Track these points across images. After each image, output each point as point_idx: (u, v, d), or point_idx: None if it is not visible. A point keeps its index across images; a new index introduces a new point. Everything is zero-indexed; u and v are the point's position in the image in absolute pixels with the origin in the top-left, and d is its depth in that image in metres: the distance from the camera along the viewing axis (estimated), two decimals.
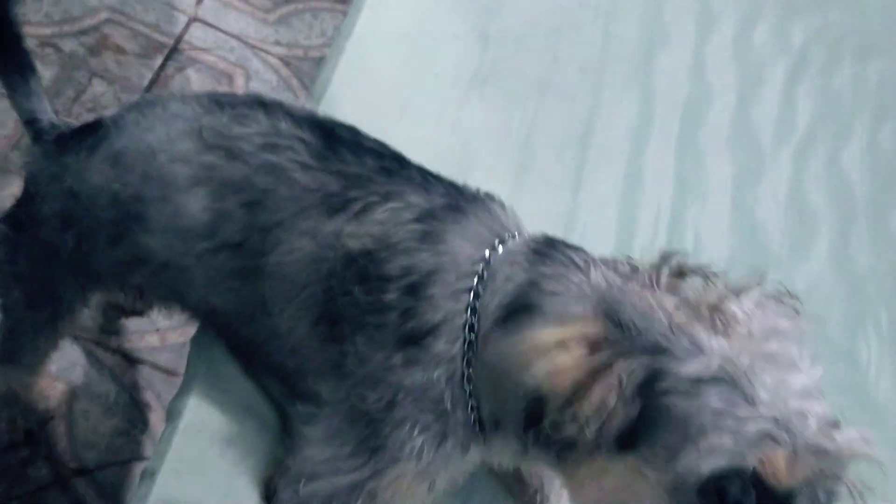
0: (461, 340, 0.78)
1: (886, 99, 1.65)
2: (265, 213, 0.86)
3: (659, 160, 1.42)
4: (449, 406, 0.78)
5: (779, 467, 0.58)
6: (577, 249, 0.81)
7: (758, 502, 0.59)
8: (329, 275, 0.84)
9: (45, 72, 1.82)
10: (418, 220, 0.82)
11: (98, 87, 1.84)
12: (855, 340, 1.32)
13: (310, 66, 2.09)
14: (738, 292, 0.68)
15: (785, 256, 1.39)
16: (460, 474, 0.86)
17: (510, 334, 0.71)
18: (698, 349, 0.62)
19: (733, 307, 0.64)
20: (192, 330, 1.59)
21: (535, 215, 1.28)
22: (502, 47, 1.43)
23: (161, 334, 1.60)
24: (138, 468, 1.45)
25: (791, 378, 0.61)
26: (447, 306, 0.79)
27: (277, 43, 2.10)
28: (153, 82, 1.90)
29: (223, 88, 1.96)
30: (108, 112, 1.00)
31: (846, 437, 0.60)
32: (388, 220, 0.83)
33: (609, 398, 0.63)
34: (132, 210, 0.91)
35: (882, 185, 1.53)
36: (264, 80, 2.02)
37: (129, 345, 1.57)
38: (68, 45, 1.87)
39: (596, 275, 0.74)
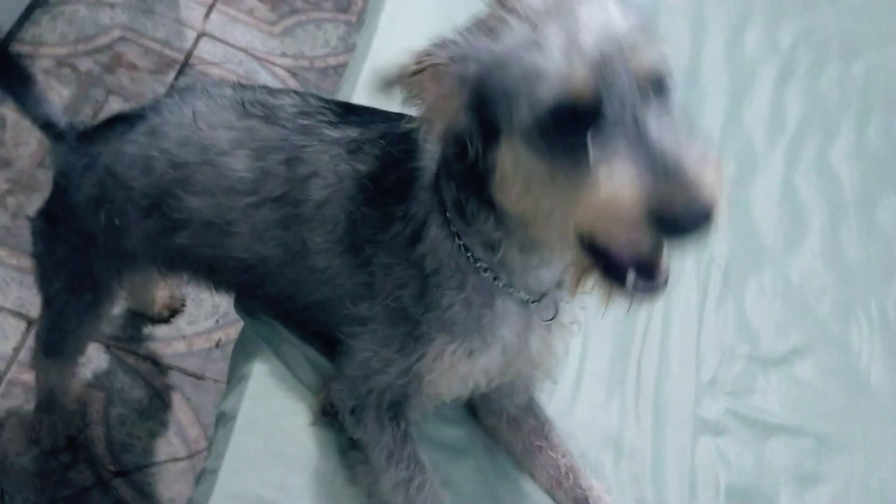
0: (443, 215, 0.89)
1: (872, 97, 1.73)
2: (303, 166, 0.98)
3: None
4: (460, 273, 0.89)
5: (578, 81, 0.68)
6: None
7: (576, 118, 0.68)
8: (349, 201, 0.96)
9: (63, 91, 1.88)
10: (403, 139, 0.93)
11: (114, 103, 1.90)
12: (847, 328, 1.40)
13: (316, 76, 2.16)
14: None
15: (779, 250, 1.47)
16: (492, 336, 0.93)
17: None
18: (492, 36, 0.73)
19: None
20: (217, 334, 1.68)
21: None
22: None
23: (188, 341, 1.67)
24: (175, 468, 1.52)
25: (579, 12, 0.71)
26: (428, 197, 0.90)
27: (283, 54, 2.17)
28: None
29: None
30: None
31: (647, 53, 0.70)
32: (385, 145, 0.95)
33: (461, 110, 0.76)
34: (172, 176, 1.01)
35: (869, 180, 1.61)
36: None
37: (158, 352, 1.64)
38: (84, 64, 1.94)
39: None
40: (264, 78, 2.10)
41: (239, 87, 1.06)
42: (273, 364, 1.04)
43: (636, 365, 1.25)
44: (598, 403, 1.19)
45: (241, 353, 1.08)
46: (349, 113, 1.01)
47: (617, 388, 1.22)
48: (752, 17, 1.77)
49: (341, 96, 1.34)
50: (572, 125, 0.69)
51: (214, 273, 1.10)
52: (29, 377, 1.50)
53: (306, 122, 1.00)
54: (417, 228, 0.90)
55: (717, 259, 1.41)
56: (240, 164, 0.99)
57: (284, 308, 1.08)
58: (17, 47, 1.88)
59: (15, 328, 1.56)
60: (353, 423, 0.98)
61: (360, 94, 1.32)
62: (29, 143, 1.77)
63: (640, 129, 0.68)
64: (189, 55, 2.05)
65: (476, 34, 0.75)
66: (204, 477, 0.95)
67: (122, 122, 1.06)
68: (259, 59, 2.13)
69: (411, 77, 0.77)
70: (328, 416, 1.02)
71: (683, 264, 1.39)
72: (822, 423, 1.28)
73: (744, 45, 1.72)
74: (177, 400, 1.61)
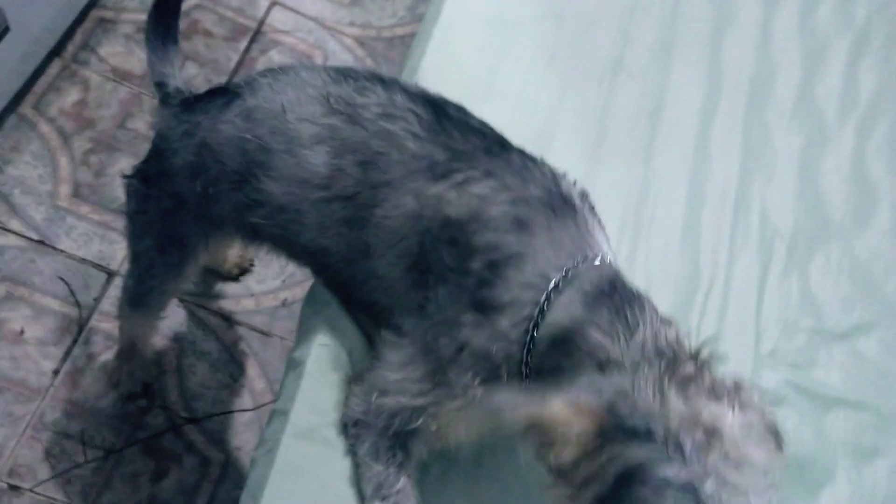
0: (523, 330, 0.88)
1: None
2: (377, 173, 0.97)
3: (726, 134, 1.50)
4: (503, 375, 0.89)
5: None
6: (634, 299, 0.88)
7: None
8: (425, 231, 0.95)
9: (142, 55, 1.95)
10: (512, 203, 0.93)
11: (190, 69, 1.97)
12: None
13: (383, 46, 2.19)
14: (742, 407, 0.78)
15: (847, 226, 1.45)
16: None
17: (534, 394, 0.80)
18: (680, 458, 0.74)
19: (727, 429, 0.75)
20: (283, 294, 1.74)
21: (608, 188, 1.38)
22: (576, 28, 1.51)
23: (256, 299, 1.74)
24: (241, 418, 1.59)
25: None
26: (517, 292, 0.89)
27: (352, 24, 2.20)
28: (240, 64, 2.03)
29: None
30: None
31: None
32: (485, 196, 0.93)
33: (594, 475, 0.76)
34: (258, 158, 1.03)
35: None
36: (341, 60, 2.12)
37: (228, 308, 1.71)
38: None
39: (638, 338, 0.83)
40: (332, 47, 2.14)
41: (332, 74, 1.04)
42: (338, 318, 1.08)
43: (694, 335, 1.26)
44: None
45: (310, 306, 1.13)
46: (438, 122, 0.98)
47: None
48: None
49: (409, 65, 1.37)
50: None
51: (287, 251, 1.14)
52: (108, 325, 1.59)
53: (388, 126, 0.98)
54: (489, 303, 0.89)
55: (782, 232, 1.40)
56: (318, 159, 1.00)
57: (346, 295, 1.10)
58: (99, 13, 1.96)
59: (96, 279, 1.64)
60: (353, 437, 0.98)
61: (428, 63, 1.35)
62: (111, 104, 1.85)
63: None
64: (261, 23, 2.11)
65: (664, 437, 0.74)
66: (275, 417, 1.00)
67: (221, 95, 1.08)
68: (328, 29, 2.17)
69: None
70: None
71: (747, 237, 1.39)
72: (883, 399, 1.27)
73: (817, 17, 1.69)
74: (245, 354, 1.67)
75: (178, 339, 1.65)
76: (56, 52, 1.87)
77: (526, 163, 0.97)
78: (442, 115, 0.99)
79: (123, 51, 1.94)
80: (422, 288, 0.95)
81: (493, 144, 0.98)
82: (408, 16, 2.26)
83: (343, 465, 0.96)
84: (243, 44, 2.06)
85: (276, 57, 2.08)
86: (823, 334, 1.31)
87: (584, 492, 0.77)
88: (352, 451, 0.97)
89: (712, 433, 0.74)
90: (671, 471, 0.73)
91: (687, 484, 0.72)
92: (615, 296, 0.87)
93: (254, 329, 1.70)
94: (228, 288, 1.74)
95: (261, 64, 2.05)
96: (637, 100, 1.49)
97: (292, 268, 1.75)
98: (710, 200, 1.42)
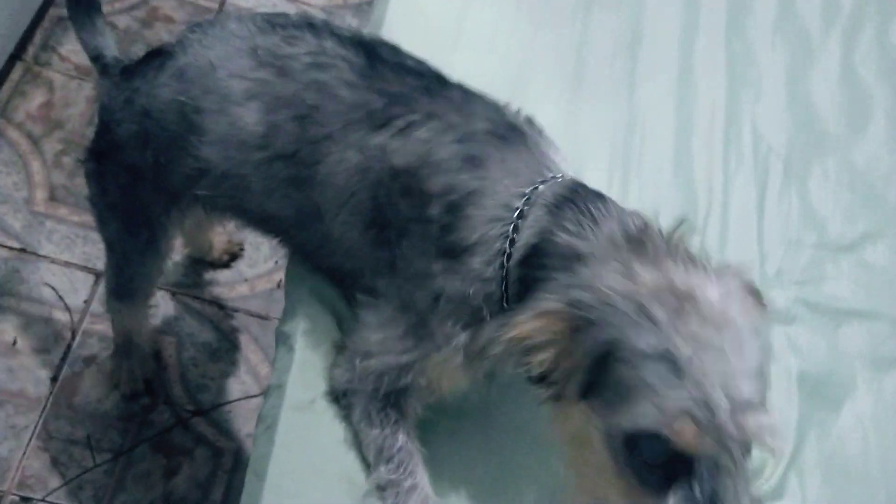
0: (497, 264, 0.85)
1: None
2: (314, 127, 0.93)
3: (709, 57, 1.45)
4: (481, 314, 0.86)
5: (687, 439, 0.68)
6: (598, 198, 0.85)
7: (667, 458, 0.70)
8: (376, 184, 0.91)
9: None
10: (459, 141, 0.88)
11: None
12: None
13: (352, 15, 2.14)
14: (718, 275, 0.76)
15: (843, 136, 1.41)
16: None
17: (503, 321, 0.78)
18: (654, 329, 0.71)
19: (702, 294, 0.72)
20: (277, 276, 1.71)
21: (593, 125, 1.34)
22: None
23: (250, 283, 1.71)
24: (249, 404, 1.57)
25: (724, 366, 0.69)
26: (483, 229, 0.85)
27: None
28: None
29: None
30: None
31: (754, 422, 0.69)
32: (429, 138, 0.89)
33: (574, 367, 0.74)
34: (194, 121, 0.99)
35: None
36: None
37: (222, 296, 1.68)
38: (122, 22, 1.95)
39: (604, 230, 0.81)
40: None
41: (260, 23, 1.00)
42: (321, 286, 1.04)
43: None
44: None
45: (293, 277, 1.09)
46: (371, 66, 0.94)
47: None
48: None
49: (374, 19, 1.32)
50: (662, 461, 0.70)
51: (244, 221, 1.09)
52: (102, 327, 1.56)
53: (320, 76, 0.93)
54: (456, 248, 0.86)
55: (776, 149, 1.36)
56: (251, 117, 0.95)
57: (313, 262, 1.06)
58: (57, 11, 1.90)
59: (83, 281, 1.61)
60: (344, 407, 0.95)
61: (392, 14, 1.30)
62: (77, 102, 1.80)
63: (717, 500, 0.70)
64: (223, 2, 2.05)
65: (636, 310, 0.72)
66: (271, 392, 0.97)
67: (157, 57, 1.04)
68: (293, 1, 2.12)
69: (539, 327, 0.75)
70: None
71: (740, 158, 1.35)
72: None
73: None
74: (245, 340, 1.64)
75: (175, 332, 1.61)
76: (17, 55, 1.82)
77: (467, 97, 0.94)
78: (375, 57, 0.95)
79: (103, 19, 1.88)
80: (386, 245, 0.92)
81: (431, 83, 0.94)
82: None
83: (345, 433, 0.94)
84: None
85: None
86: (829, 248, 1.27)
87: (569, 387, 0.75)
88: (346, 420, 0.94)
89: (686, 298, 0.71)
90: (644, 341, 0.71)
91: (663, 351, 0.70)
92: (578, 198, 0.84)
93: (251, 314, 1.67)
94: (221, 275, 1.71)
95: None
96: (613, 32, 1.44)
97: None
98: (700, 125, 1.37)
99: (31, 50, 1.85)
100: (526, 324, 0.75)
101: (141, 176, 1.08)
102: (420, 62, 0.98)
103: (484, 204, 0.86)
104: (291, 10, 2.09)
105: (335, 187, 0.93)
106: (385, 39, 1.00)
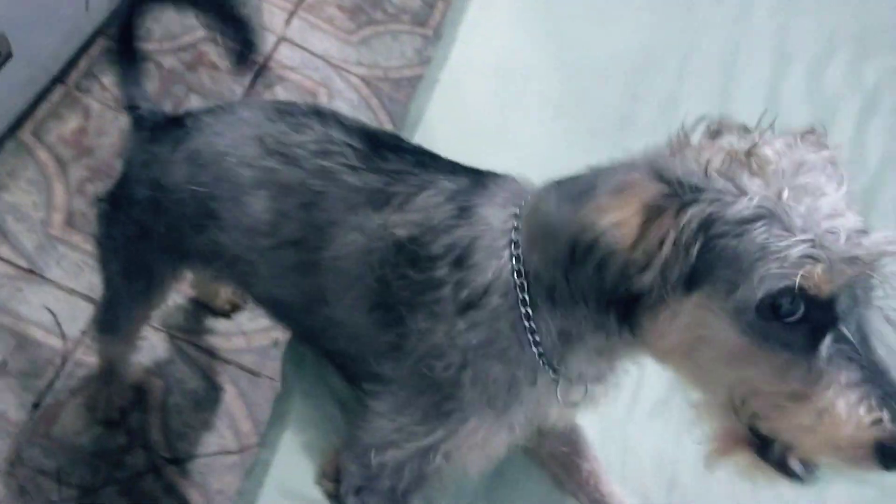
0: (512, 286, 0.84)
1: None
2: (320, 213, 0.95)
3: None
4: (516, 348, 0.85)
5: (819, 280, 0.67)
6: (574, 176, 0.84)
7: (806, 310, 0.68)
8: (381, 264, 0.91)
9: (147, 85, 1.94)
10: (451, 199, 0.90)
11: (194, 101, 1.96)
12: None
13: (389, 87, 2.19)
14: (768, 138, 0.75)
15: None
16: (534, 413, 0.92)
17: (574, 208, 0.74)
18: (741, 192, 0.70)
19: (765, 150, 0.72)
20: (274, 333, 1.71)
21: None
22: (584, 82, 1.49)
23: (247, 337, 1.70)
24: (225, 461, 1.55)
25: (820, 202, 0.70)
26: (492, 265, 0.85)
27: (359, 63, 2.20)
28: (243, 98, 2.02)
29: None
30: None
31: (872, 240, 0.69)
32: (426, 205, 0.91)
33: (670, 246, 0.70)
34: (208, 207, 1.01)
35: None
36: (346, 99, 2.12)
37: (217, 345, 1.67)
38: (168, 61, 2.00)
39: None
40: (338, 85, 2.13)
41: (270, 112, 1.01)
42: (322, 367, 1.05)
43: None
44: (654, 429, 1.17)
45: (293, 354, 1.09)
46: (375, 153, 0.96)
47: (673, 413, 1.19)
48: (836, 52, 1.73)
49: (413, 110, 1.36)
50: (799, 317, 0.69)
51: (252, 299, 1.10)
52: (93, 360, 1.55)
53: (325, 163, 0.96)
54: (475, 296, 0.85)
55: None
56: (260, 205, 0.97)
57: (316, 347, 1.07)
58: (106, 41, 1.95)
59: (84, 311, 1.61)
60: None
61: (434, 109, 1.33)
62: (110, 132, 1.83)
63: (869, 344, 0.70)
64: (268, 59, 2.10)
65: (717, 183, 0.71)
66: (256, 467, 0.96)
67: (179, 128, 1.05)
68: (335, 67, 2.17)
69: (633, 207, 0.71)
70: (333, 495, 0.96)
71: None
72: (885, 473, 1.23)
73: (826, 80, 1.69)
74: (232, 394, 1.63)
75: (164, 375, 1.61)
76: (59, 78, 1.86)
77: (455, 165, 0.97)
78: (377, 142, 0.98)
79: (144, 68, 1.92)
80: (392, 326, 0.91)
81: (425, 158, 0.96)
82: (416, 57, 2.27)
83: None
84: (248, 78, 2.05)
85: (280, 93, 2.07)
86: None
87: (670, 284, 0.71)
88: None
89: (754, 156, 0.71)
90: (740, 207, 0.69)
91: (762, 211, 0.69)
92: (568, 179, 0.83)
93: (243, 368, 1.66)
94: (219, 324, 1.70)
95: (265, 98, 2.04)
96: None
97: None
98: None
99: (74, 75, 1.88)
100: (606, 205, 0.70)
101: (150, 236, 1.09)
102: (417, 146, 1.02)
103: (484, 245, 0.87)
104: (334, 76, 2.15)
105: (340, 271, 0.94)
106: (387, 130, 1.03)
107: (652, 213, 0.70)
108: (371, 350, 0.95)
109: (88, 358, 1.56)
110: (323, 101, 2.10)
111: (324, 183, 0.95)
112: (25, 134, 1.77)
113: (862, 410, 0.66)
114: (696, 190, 0.70)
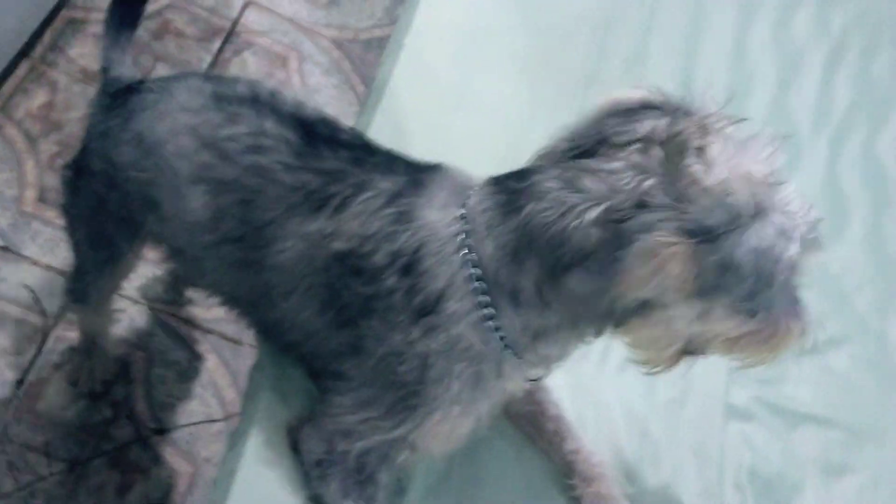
0: (471, 291, 0.84)
1: None
2: (258, 212, 0.93)
3: None
4: (479, 346, 0.86)
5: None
6: (520, 171, 0.87)
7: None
8: (325, 268, 0.91)
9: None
10: (389, 203, 0.89)
11: (161, 70, 1.94)
12: (886, 321, 1.38)
13: (360, 48, 2.17)
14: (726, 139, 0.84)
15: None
16: (499, 399, 0.94)
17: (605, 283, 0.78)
18: (751, 218, 0.78)
19: (755, 173, 0.81)
20: None
21: None
22: (549, 40, 1.49)
23: None
24: (211, 429, 1.57)
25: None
26: (444, 271, 0.85)
27: (329, 25, 2.18)
28: (212, 66, 2.00)
29: (278, 71, 2.05)
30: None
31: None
32: (362, 211, 0.89)
33: (686, 272, 0.75)
34: (151, 197, 1.00)
35: None
36: (317, 63, 2.10)
37: (198, 316, 1.69)
38: None
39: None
40: (308, 49, 2.11)
41: (208, 98, 0.98)
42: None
43: None
44: (624, 383, 1.20)
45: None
46: (310, 148, 0.94)
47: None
48: (802, 1, 1.73)
49: (381, 74, 1.35)
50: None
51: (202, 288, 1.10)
52: (74, 335, 1.56)
53: (259, 160, 0.93)
54: (429, 303, 0.85)
55: None
56: (198, 201, 0.95)
57: (272, 341, 1.06)
58: (70, 13, 1.92)
59: (62, 287, 1.61)
60: (316, 478, 0.94)
61: (400, 72, 1.32)
62: (79, 106, 1.82)
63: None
64: (235, 24, 2.08)
65: (726, 224, 0.75)
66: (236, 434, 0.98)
67: (129, 97, 1.03)
68: (305, 30, 2.14)
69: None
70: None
71: None
72: (853, 415, 1.27)
73: (793, 28, 1.69)
74: (214, 363, 1.65)
75: (145, 347, 1.62)
76: (24, 52, 1.83)
77: (390, 160, 0.96)
78: (312, 135, 0.95)
79: (93, 51, 1.90)
80: (346, 327, 0.91)
81: (360, 153, 0.95)
82: (385, 17, 2.24)
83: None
84: (216, 45, 2.03)
85: (250, 58, 2.05)
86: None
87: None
88: (316, 497, 0.94)
89: (750, 180, 0.78)
90: (761, 231, 0.77)
91: (780, 229, 0.79)
92: (504, 183, 0.86)
93: (224, 337, 1.68)
94: (198, 295, 1.71)
95: (234, 65, 2.02)
96: None
97: None
98: None
99: (38, 48, 1.86)
100: (641, 269, 0.74)
101: (106, 206, 1.08)
102: (353, 132, 1.00)
103: (433, 251, 0.86)
104: (304, 39, 2.12)
105: (284, 272, 0.93)
106: (324, 115, 1.00)
107: (682, 259, 0.75)
108: (328, 349, 0.94)
109: (69, 333, 1.57)
110: (294, 66, 2.08)
111: (259, 181, 0.93)
112: None
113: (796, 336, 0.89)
114: (730, 221, 0.76)
